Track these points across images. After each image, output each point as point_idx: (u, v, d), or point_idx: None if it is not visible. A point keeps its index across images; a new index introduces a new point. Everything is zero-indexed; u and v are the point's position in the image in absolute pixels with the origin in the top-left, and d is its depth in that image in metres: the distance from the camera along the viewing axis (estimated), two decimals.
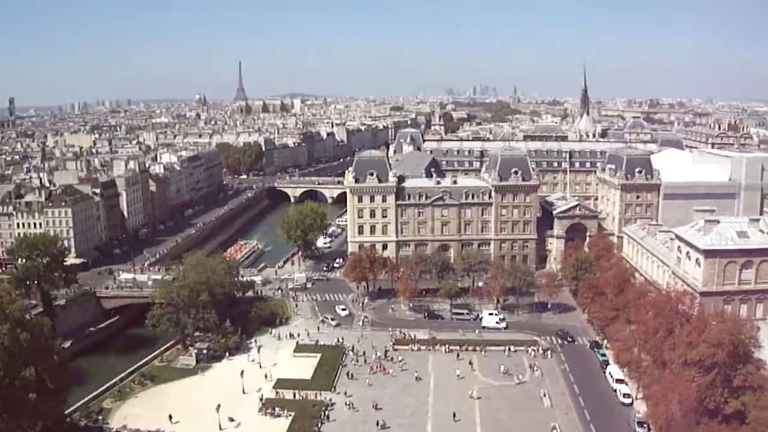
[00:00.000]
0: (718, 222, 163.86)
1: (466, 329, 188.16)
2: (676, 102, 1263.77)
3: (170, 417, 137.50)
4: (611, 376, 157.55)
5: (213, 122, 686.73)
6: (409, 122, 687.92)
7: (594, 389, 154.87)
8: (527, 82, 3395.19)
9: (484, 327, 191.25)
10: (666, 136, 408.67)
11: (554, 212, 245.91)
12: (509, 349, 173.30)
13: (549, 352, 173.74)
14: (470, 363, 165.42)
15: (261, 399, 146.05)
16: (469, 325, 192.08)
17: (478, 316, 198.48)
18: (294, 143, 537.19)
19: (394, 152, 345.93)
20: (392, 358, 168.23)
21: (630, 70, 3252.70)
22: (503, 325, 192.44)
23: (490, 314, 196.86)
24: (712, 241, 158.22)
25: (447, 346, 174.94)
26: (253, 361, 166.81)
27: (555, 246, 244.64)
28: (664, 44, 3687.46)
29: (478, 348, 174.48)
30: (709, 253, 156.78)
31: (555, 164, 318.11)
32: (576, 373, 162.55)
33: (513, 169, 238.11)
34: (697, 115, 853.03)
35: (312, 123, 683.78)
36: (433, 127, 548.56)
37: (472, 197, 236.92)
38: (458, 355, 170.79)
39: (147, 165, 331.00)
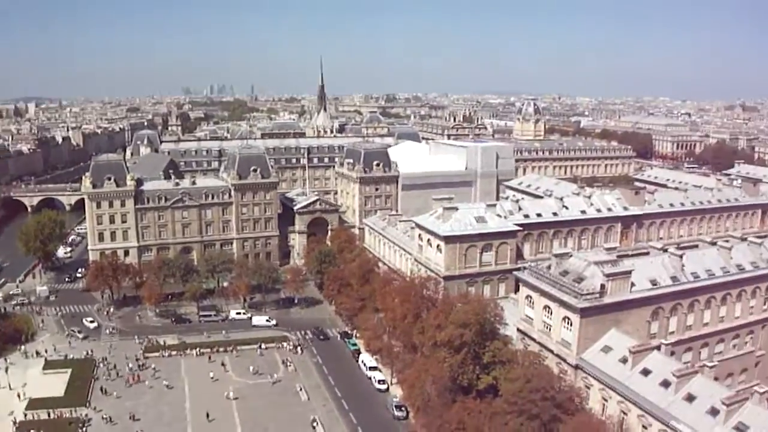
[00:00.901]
0: (457, 209, 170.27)
1: (212, 331, 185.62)
2: (413, 96, 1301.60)
3: None
4: (364, 365, 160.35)
5: None
6: (146, 124, 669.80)
7: (349, 379, 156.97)
8: (265, 80, 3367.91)
9: (254, 326, 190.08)
10: (403, 129, 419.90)
11: (295, 208, 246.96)
12: (261, 347, 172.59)
13: (300, 347, 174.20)
14: (223, 364, 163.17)
15: (14, 422, 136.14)
16: (218, 327, 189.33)
17: (227, 316, 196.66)
18: (29, 149, 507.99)
19: (132, 155, 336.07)
20: (143, 365, 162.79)
21: (366, 67, 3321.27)
22: (273, 322, 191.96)
23: (241, 312, 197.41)
24: (451, 227, 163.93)
25: (198, 349, 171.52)
26: None
27: (297, 241, 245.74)
28: (398, 42, 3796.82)
29: (229, 348, 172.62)
30: (449, 239, 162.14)
31: (294, 161, 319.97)
32: (329, 365, 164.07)
33: (252, 168, 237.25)
34: (433, 108, 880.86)
35: (47, 128, 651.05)
36: (170, 128, 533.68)
37: (212, 197, 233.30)
38: (210, 357, 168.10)
39: None
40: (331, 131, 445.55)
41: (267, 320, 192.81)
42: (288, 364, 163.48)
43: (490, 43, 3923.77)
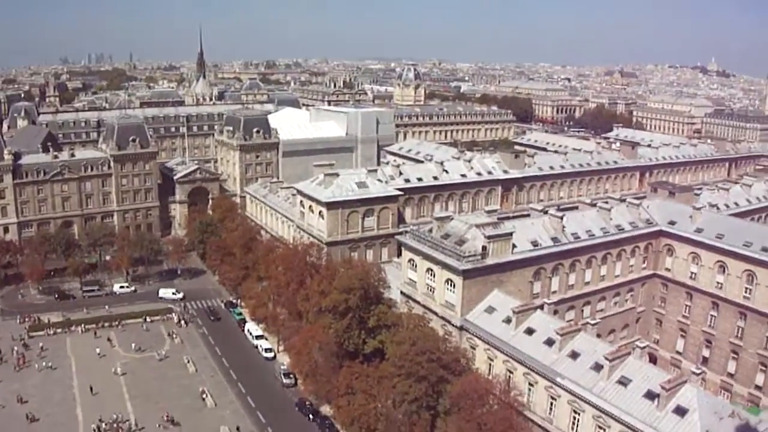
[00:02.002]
0: (338, 175, 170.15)
1: (96, 306, 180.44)
2: (293, 62, 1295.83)
3: None
4: (250, 334, 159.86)
5: None
6: (23, 95, 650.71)
7: (235, 349, 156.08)
8: (144, 47, 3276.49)
9: (161, 298, 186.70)
10: (283, 96, 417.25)
11: (175, 178, 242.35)
12: (146, 320, 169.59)
13: (185, 320, 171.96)
14: (109, 340, 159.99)
15: None
16: (102, 301, 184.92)
17: (111, 291, 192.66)
18: None
19: (8, 128, 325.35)
20: (27, 345, 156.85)
21: (247, 33, 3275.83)
22: (180, 295, 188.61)
23: (124, 286, 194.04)
24: (332, 193, 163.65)
25: (83, 325, 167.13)
26: None
27: (178, 211, 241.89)
28: (278, 6, 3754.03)
29: (114, 323, 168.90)
30: (331, 205, 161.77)
31: (173, 129, 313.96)
32: (215, 336, 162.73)
33: (131, 137, 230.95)
34: (314, 75, 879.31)
35: None
36: (48, 99, 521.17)
37: (92, 169, 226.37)
38: (96, 333, 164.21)
39: None
40: (211, 99, 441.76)
41: (174, 293, 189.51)
42: (174, 336, 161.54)
43: (371, 8, 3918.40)
